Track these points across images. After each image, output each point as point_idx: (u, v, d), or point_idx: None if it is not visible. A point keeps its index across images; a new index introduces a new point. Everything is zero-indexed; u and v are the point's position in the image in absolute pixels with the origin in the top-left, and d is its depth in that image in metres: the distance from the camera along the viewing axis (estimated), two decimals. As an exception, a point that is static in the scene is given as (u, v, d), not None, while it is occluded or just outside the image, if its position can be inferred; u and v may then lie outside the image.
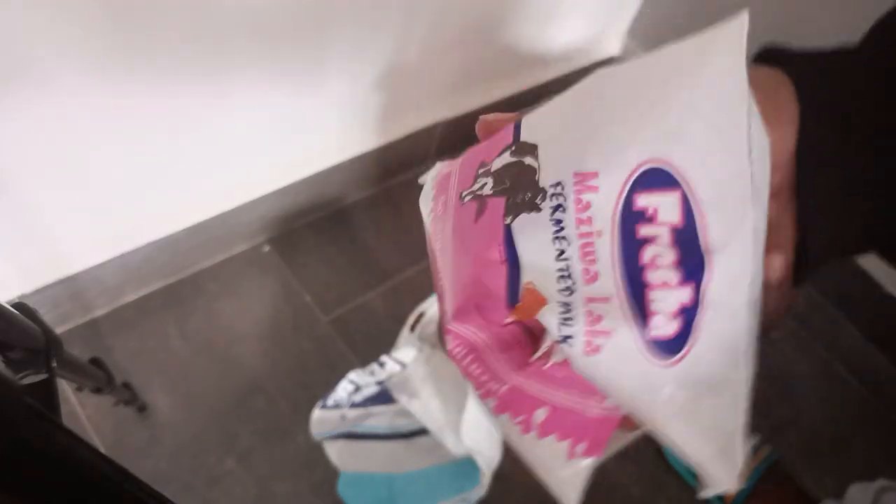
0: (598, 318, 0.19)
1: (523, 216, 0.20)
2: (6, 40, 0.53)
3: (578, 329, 0.19)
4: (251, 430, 0.82)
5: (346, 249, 1.03)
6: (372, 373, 0.86)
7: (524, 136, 0.21)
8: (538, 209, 0.19)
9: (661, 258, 0.18)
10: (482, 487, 0.77)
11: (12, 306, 0.44)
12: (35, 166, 0.65)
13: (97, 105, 0.64)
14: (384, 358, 0.87)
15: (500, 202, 0.21)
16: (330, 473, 0.80)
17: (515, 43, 1.06)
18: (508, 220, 0.20)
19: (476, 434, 0.75)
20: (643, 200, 0.18)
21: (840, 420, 1.01)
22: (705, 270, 0.17)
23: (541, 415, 0.22)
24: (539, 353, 0.21)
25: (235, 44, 0.68)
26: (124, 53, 0.61)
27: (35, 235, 0.73)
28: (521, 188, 0.20)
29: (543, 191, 0.19)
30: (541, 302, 0.20)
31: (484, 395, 0.24)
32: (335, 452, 0.81)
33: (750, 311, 0.18)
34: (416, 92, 1.00)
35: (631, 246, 0.18)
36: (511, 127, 0.21)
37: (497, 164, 0.22)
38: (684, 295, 0.18)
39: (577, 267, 0.19)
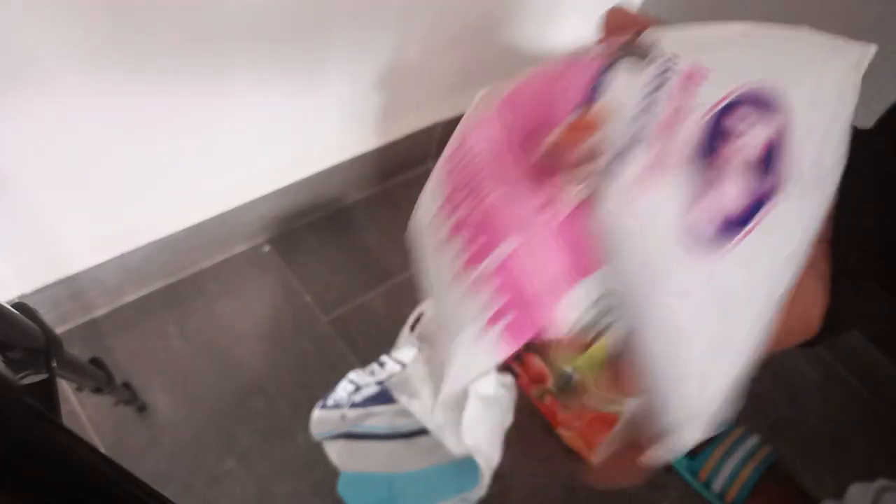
0: (659, 164, 0.18)
1: (625, 63, 0.19)
2: (6, 40, 0.53)
3: (636, 161, 0.18)
4: (251, 430, 0.82)
5: (346, 249, 1.03)
6: (372, 373, 0.86)
7: (645, 36, 0.21)
8: (642, 65, 0.19)
9: (743, 155, 0.18)
10: (482, 487, 0.77)
11: (12, 306, 0.44)
12: (35, 166, 0.65)
13: (97, 105, 0.64)
14: (384, 358, 0.87)
15: (600, 55, 0.20)
16: (330, 473, 0.80)
17: (515, 43, 1.06)
18: (606, 64, 0.20)
19: (476, 434, 0.75)
20: (745, 110, 0.18)
21: (840, 420, 1.01)
22: (773, 195, 0.17)
23: (507, 248, 0.20)
24: (564, 186, 0.19)
25: (235, 44, 0.68)
26: (124, 53, 0.61)
27: (35, 235, 0.73)
28: (630, 52, 0.20)
29: (654, 58, 0.19)
30: (607, 119, 0.19)
31: (456, 205, 0.22)
32: (335, 452, 0.81)
33: (781, 285, 0.17)
34: (416, 92, 1.00)
35: (717, 136, 0.18)
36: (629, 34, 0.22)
37: (604, 47, 0.21)
38: (743, 200, 0.17)
39: (656, 125, 0.18)
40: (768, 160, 0.17)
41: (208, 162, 0.82)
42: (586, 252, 0.19)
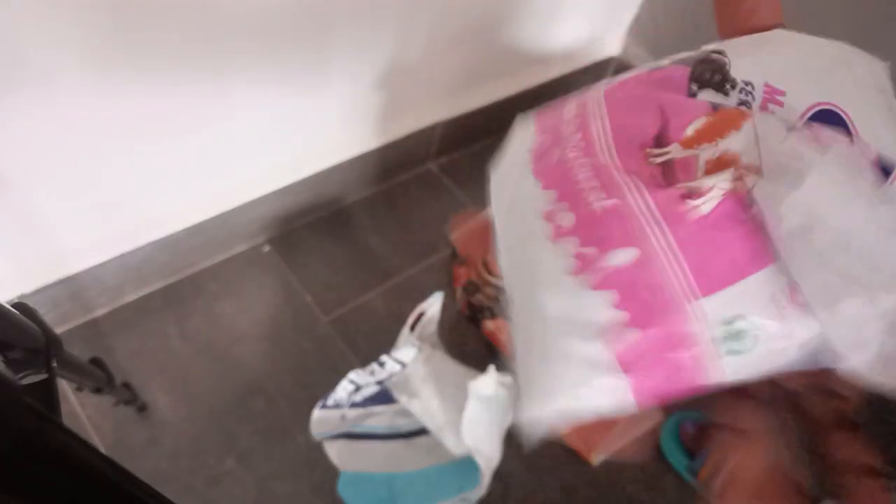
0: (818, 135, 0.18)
1: (706, 93, 0.20)
2: (6, 40, 0.53)
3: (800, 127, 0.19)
4: (251, 430, 0.82)
5: (346, 249, 1.03)
6: (372, 373, 0.86)
7: (716, 59, 0.21)
8: (725, 94, 0.20)
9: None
10: (482, 487, 0.77)
11: (12, 306, 0.44)
12: (35, 166, 0.65)
13: (97, 105, 0.64)
14: (384, 358, 0.87)
15: (683, 71, 0.21)
16: (330, 473, 0.80)
17: (516, 43, 1.06)
18: (694, 89, 0.20)
19: (476, 434, 0.75)
20: (817, 129, 0.19)
21: (840, 420, 1.01)
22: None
23: (622, 257, 0.17)
24: (717, 183, 0.17)
25: (235, 44, 0.68)
26: (124, 54, 0.61)
27: (35, 235, 0.73)
28: (708, 68, 0.20)
29: (734, 80, 0.20)
30: (743, 113, 0.19)
31: (575, 205, 0.19)
32: (335, 452, 0.81)
33: None
34: (416, 92, 1.00)
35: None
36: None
37: (681, 55, 0.22)
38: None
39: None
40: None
41: (208, 162, 0.82)
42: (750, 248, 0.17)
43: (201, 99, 0.72)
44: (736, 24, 0.21)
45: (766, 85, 0.19)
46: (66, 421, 0.27)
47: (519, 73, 1.14)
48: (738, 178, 0.17)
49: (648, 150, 0.19)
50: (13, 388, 0.22)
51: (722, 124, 0.18)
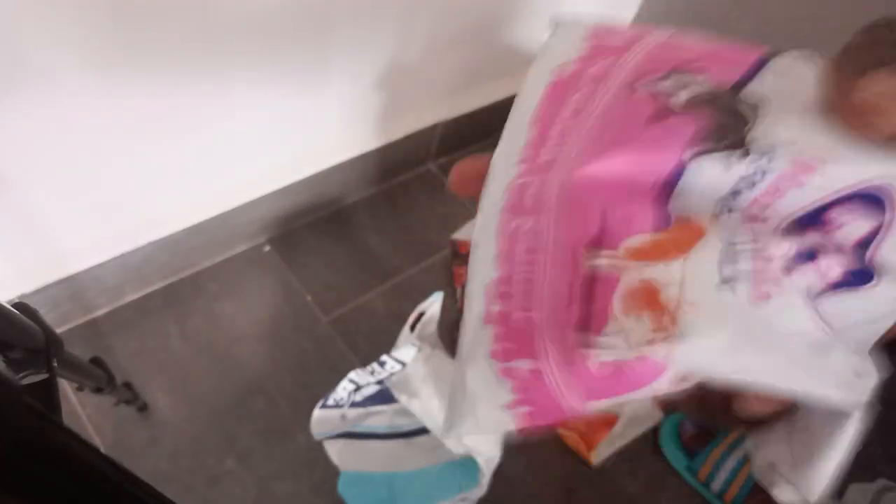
0: (766, 263, 0.16)
1: (708, 159, 0.16)
2: (6, 40, 0.53)
3: (744, 269, 0.16)
4: (251, 430, 0.82)
5: (346, 249, 1.03)
6: (372, 372, 0.86)
7: (761, 85, 0.17)
8: (729, 164, 0.16)
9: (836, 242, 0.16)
10: (482, 487, 0.77)
11: (12, 306, 0.44)
12: (35, 166, 0.65)
13: (97, 105, 0.64)
14: (384, 357, 0.87)
15: (688, 124, 0.17)
16: (330, 473, 0.80)
17: (515, 43, 1.06)
18: (688, 154, 0.17)
19: (476, 434, 0.75)
20: (836, 213, 0.16)
21: (840, 420, 1.01)
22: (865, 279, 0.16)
23: (523, 365, 0.18)
24: (598, 343, 0.16)
25: (235, 44, 0.68)
26: (124, 53, 0.61)
27: (35, 235, 0.73)
28: (722, 128, 0.17)
29: (747, 150, 0.16)
30: (698, 235, 0.16)
31: (506, 292, 0.19)
32: (335, 452, 0.81)
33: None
34: (416, 92, 1.00)
35: (813, 223, 0.16)
36: (754, 57, 0.18)
37: (705, 85, 0.18)
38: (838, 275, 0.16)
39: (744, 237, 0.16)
40: (863, 248, 0.16)
41: (208, 162, 0.82)
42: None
43: (201, 99, 0.72)
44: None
45: (795, 161, 0.15)
46: (67, 421, 0.27)
47: (519, 73, 1.14)
48: (656, 333, 0.15)
49: (584, 250, 0.17)
50: (13, 388, 0.22)
51: (671, 245, 0.16)
